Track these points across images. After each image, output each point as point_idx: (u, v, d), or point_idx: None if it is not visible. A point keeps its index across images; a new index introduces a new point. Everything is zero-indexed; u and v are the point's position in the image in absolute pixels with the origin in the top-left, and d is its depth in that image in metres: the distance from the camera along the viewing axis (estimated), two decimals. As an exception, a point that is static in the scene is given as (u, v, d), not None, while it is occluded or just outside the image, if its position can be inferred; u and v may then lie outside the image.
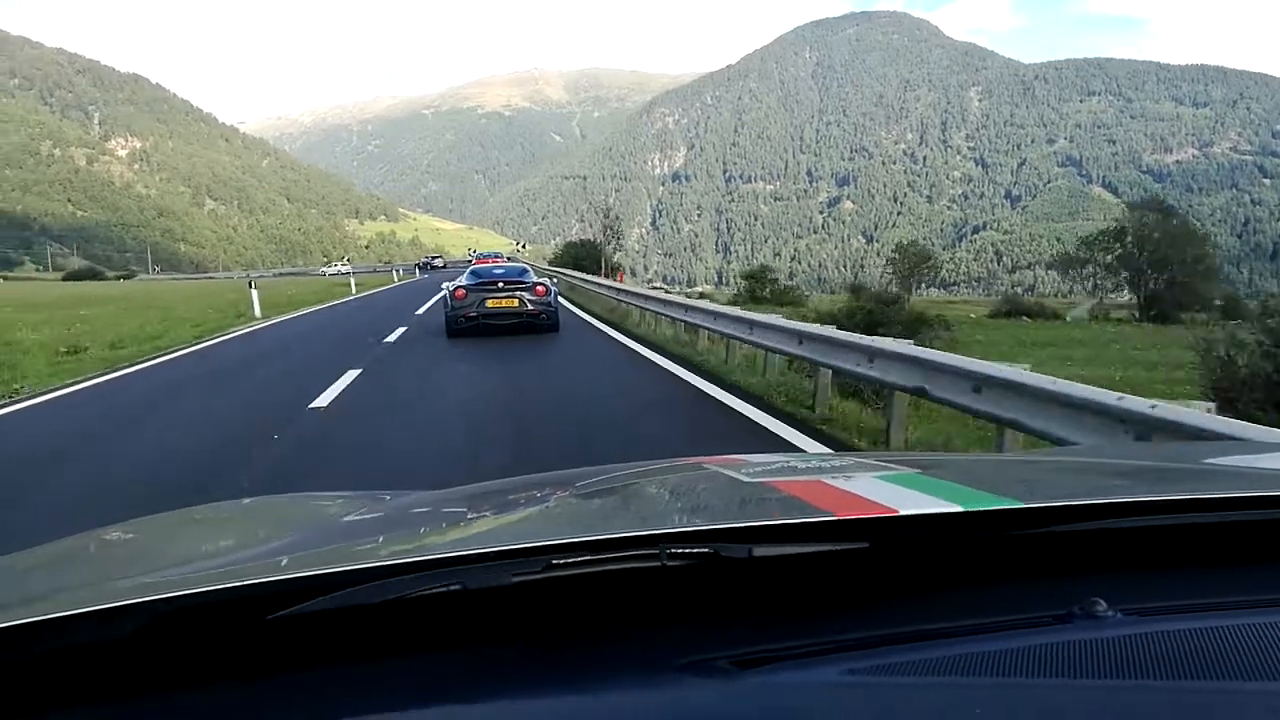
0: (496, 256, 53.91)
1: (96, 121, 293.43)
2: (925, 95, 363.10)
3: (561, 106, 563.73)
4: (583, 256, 54.69)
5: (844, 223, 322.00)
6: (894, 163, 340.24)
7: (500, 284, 15.73)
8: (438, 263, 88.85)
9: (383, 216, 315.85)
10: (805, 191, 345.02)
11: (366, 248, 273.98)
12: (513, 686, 0.78)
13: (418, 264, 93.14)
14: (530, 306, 15.59)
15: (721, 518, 1.12)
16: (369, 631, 0.85)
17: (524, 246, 64.58)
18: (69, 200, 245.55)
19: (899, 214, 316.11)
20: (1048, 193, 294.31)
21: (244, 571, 0.91)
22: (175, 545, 1.49)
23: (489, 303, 15.38)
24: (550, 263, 60.11)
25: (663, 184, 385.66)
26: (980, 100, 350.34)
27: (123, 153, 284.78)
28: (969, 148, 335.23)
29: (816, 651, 0.80)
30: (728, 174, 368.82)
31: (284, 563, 1.02)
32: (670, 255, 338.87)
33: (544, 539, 0.90)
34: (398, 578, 0.83)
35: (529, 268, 19.18)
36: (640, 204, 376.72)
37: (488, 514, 1.37)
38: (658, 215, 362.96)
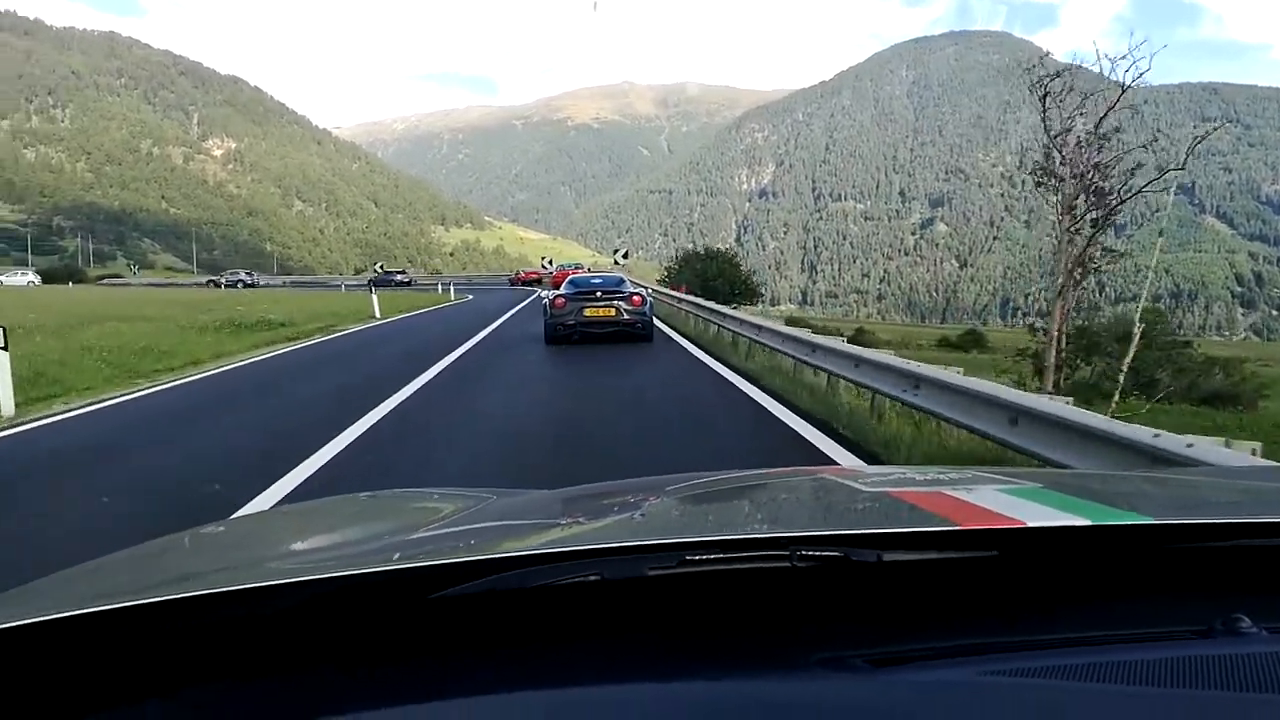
0: (578, 267, 47.16)
1: (195, 121, 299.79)
2: (1026, 117, 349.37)
3: (650, 120, 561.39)
4: (713, 275, 39.00)
5: (937, 245, 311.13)
6: (991, 185, 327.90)
7: (598, 294, 16.31)
8: (401, 277, 73.28)
9: (469, 224, 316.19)
10: (897, 212, 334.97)
11: (451, 255, 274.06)
12: (648, 675, 0.80)
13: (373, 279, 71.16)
14: (626, 316, 16.12)
15: (849, 523, 1.14)
16: (509, 618, 0.89)
17: (624, 256, 43.05)
18: (163, 197, 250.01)
19: (995, 239, 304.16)
20: (1156, 222, 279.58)
21: (405, 556, 0.97)
22: (309, 535, 1.56)
23: (587, 311, 15.92)
24: (660, 282, 43.05)
25: (749, 200, 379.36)
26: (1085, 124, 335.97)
27: (218, 152, 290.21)
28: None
29: (949, 653, 0.81)
30: (817, 191, 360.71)
31: (441, 548, 1.06)
32: (754, 273, 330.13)
33: (678, 536, 0.95)
34: (542, 566, 0.87)
35: (626, 278, 19.22)
36: (725, 220, 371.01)
37: (616, 512, 1.38)
38: (743, 231, 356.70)
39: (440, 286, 49.53)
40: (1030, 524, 0.94)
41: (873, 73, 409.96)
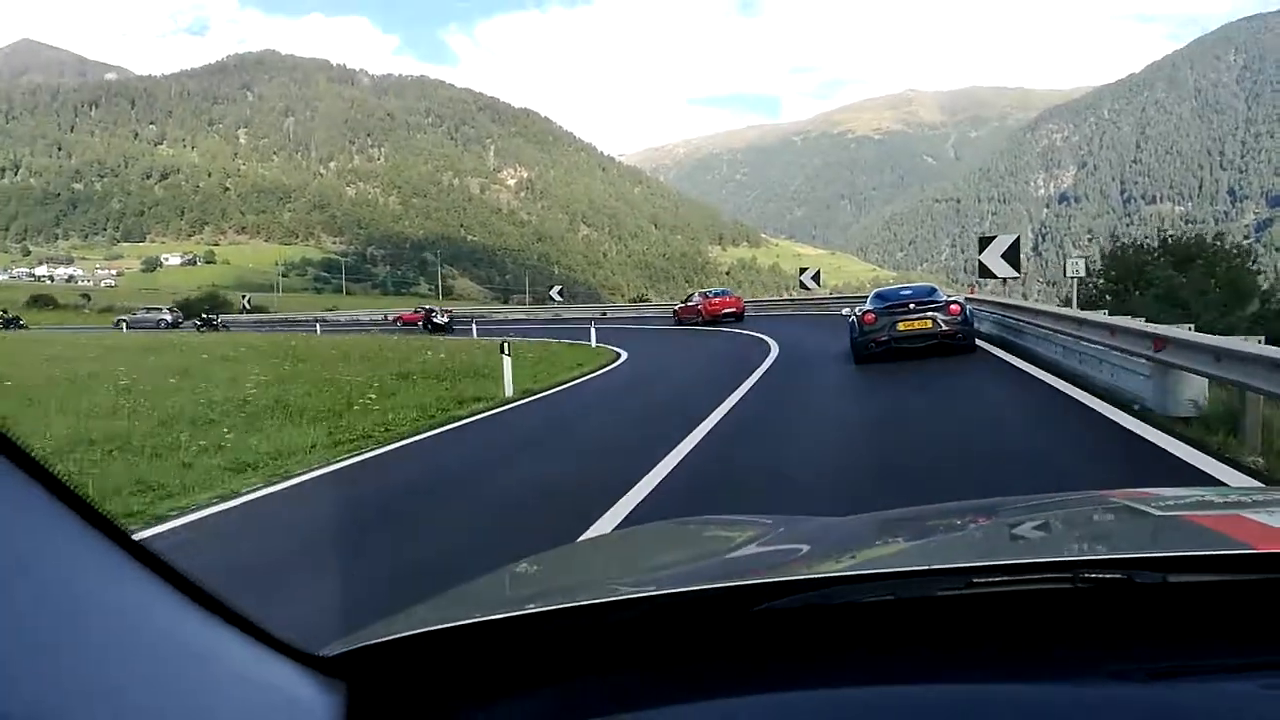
0: (724, 294, 35.01)
1: (491, 153, 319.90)
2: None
3: (935, 128, 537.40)
4: (1191, 300, 21.54)
5: (1277, 250, 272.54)
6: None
7: (911, 305, 15.32)
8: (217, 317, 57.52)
9: (745, 242, 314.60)
10: (1226, 214, 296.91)
11: (727, 274, 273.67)
12: (935, 681, 0.85)
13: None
14: (945, 326, 14.98)
15: (1133, 547, 1.15)
16: (817, 631, 0.96)
17: (1010, 253, 19.91)
18: (461, 226, 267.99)
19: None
20: None
21: (729, 575, 1.08)
22: (640, 556, 1.75)
23: (901, 325, 14.98)
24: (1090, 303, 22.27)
25: (1046, 205, 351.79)
26: None
27: (511, 182, 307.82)
28: None
29: (1233, 670, 0.81)
30: (1126, 194, 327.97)
31: (758, 569, 1.18)
32: (1053, 284, 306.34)
33: (966, 560, 1.00)
34: (844, 586, 0.97)
35: (938, 287, 17.56)
36: (1020, 227, 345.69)
37: (906, 537, 1.47)
38: (1040, 240, 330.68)
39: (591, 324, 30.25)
40: None
41: (1192, 60, 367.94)
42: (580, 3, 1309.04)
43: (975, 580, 0.92)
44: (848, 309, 17.59)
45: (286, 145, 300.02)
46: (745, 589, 0.99)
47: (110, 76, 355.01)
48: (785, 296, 57.31)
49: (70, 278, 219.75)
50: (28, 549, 0.59)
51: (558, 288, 57.68)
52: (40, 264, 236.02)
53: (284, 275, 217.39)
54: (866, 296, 17.31)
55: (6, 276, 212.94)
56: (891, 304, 15.43)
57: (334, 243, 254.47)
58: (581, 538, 6.16)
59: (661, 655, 0.96)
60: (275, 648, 0.82)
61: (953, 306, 15.25)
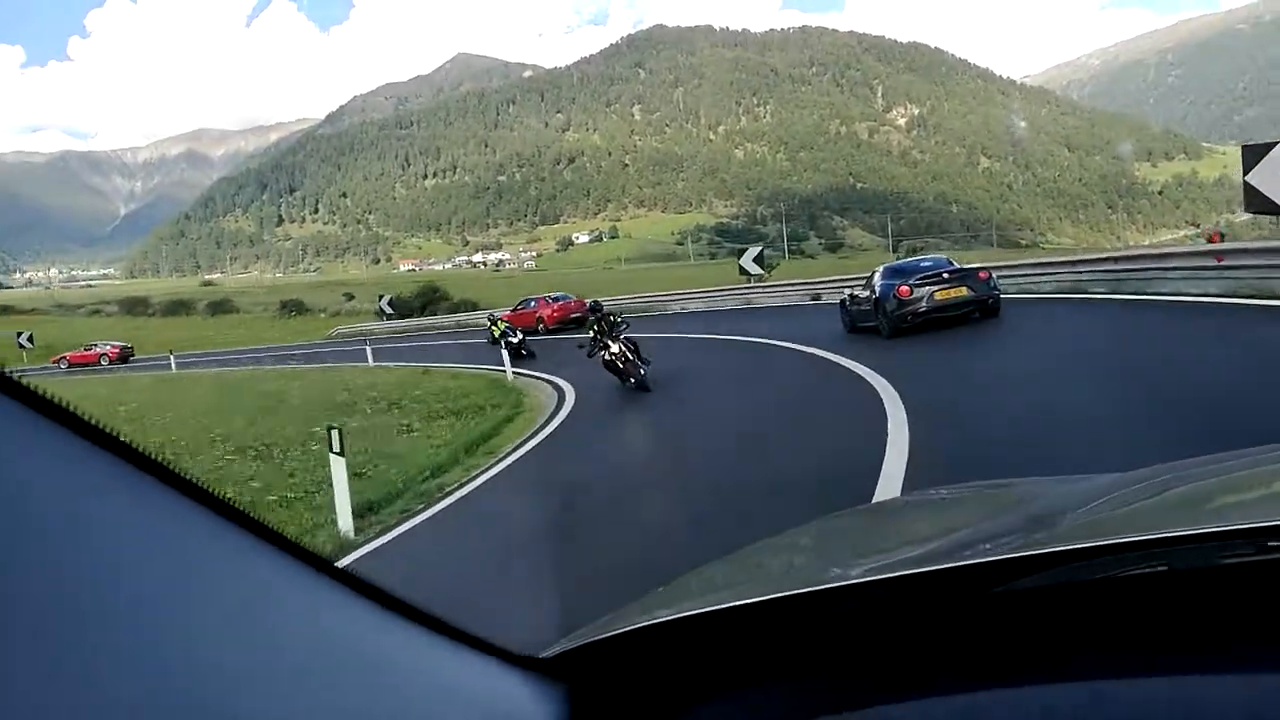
0: (565, 300, 32.83)
1: (879, 95, 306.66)
2: None
3: None
4: None
5: None
6: None
7: (945, 274, 15.79)
8: None
9: (1181, 155, 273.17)
10: None
11: (1160, 193, 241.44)
12: (1218, 670, 0.72)
13: None
14: (980, 293, 15.54)
15: None
16: (1061, 614, 0.85)
17: None
18: (850, 174, 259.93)
19: None
20: None
21: (969, 553, 0.98)
22: (890, 533, 1.65)
23: (939, 295, 15.40)
24: None
25: None
26: None
27: (901, 121, 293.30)
28: None
29: None
30: None
31: (1001, 545, 1.06)
32: None
33: (1259, 520, 0.82)
34: (1101, 559, 0.82)
35: (949, 259, 17.35)
36: None
37: (1185, 493, 1.25)
38: None
39: None
40: None
41: None
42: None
43: (1271, 544, 0.76)
44: (849, 291, 18.28)
45: (677, 116, 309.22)
46: (982, 567, 0.87)
47: (526, 74, 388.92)
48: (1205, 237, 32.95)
49: (499, 262, 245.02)
50: (219, 578, 0.58)
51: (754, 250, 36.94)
52: (476, 252, 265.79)
53: (679, 244, 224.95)
54: (870, 275, 17.25)
55: (451, 265, 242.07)
56: (923, 275, 15.74)
57: (725, 206, 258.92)
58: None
59: (894, 646, 0.88)
60: (489, 653, 0.80)
61: (981, 273, 15.80)
